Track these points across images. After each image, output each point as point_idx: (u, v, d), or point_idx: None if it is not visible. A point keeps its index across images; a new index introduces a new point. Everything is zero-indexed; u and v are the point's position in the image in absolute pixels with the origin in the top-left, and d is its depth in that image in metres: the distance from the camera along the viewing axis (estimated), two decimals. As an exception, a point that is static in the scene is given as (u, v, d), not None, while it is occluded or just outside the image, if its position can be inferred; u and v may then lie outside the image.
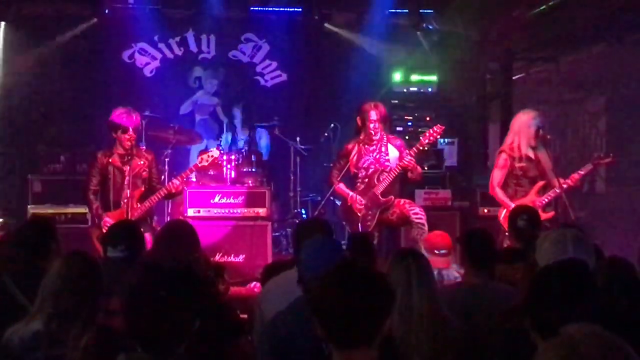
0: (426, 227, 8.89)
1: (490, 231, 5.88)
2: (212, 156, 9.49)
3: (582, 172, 8.94)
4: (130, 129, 9.02)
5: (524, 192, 8.93)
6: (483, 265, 5.40)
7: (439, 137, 9.38)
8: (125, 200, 9.01)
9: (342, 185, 9.43)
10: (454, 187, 11.58)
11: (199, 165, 9.52)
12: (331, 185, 9.45)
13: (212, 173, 11.00)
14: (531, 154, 8.93)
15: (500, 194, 8.99)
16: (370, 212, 9.24)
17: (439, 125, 9.21)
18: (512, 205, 8.53)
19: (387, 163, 9.22)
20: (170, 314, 3.24)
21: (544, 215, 8.27)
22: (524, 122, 9.05)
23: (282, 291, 4.83)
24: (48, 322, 4.26)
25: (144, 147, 9.80)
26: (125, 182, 9.03)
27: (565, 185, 8.76)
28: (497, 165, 9.15)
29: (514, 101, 13.79)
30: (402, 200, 9.31)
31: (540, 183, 8.91)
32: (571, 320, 3.10)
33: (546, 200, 8.86)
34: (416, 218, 9.03)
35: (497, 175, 9.07)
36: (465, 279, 5.73)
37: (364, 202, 9.23)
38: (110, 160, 9.10)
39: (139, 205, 9.09)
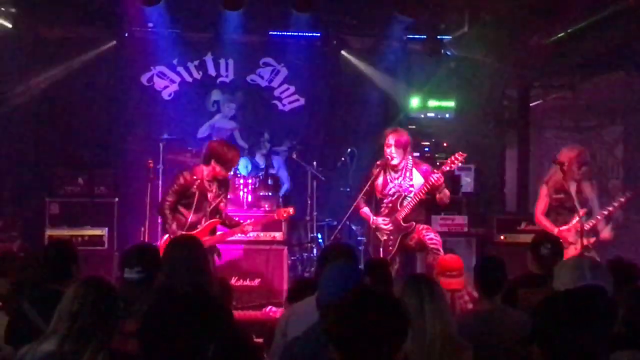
0: (442, 253, 8.89)
1: (501, 259, 5.89)
2: (289, 213, 9.80)
3: (616, 205, 9.33)
4: (228, 163, 9.19)
5: (563, 221, 9.32)
6: (494, 292, 5.43)
7: (460, 164, 9.36)
8: (199, 227, 9.08)
9: (366, 209, 9.44)
10: (471, 213, 11.55)
11: (276, 218, 9.78)
12: (357, 208, 9.44)
13: (229, 197, 11.01)
14: (572, 187, 9.26)
15: (544, 220, 9.49)
16: (392, 238, 9.23)
17: (460, 152, 9.21)
18: (556, 230, 9.07)
19: (410, 188, 9.21)
20: (186, 338, 3.23)
21: (586, 241, 8.85)
22: (568, 159, 9.34)
23: (305, 316, 4.82)
24: (61, 344, 4.26)
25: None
26: (207, 210, 9.15)
27: (605, 212, 9.26)
28: (539, 197, 9.67)
29: (531, 128, 13.79)
30: (421, 226, 9.30)
31: (583, 211, 9.09)
32: (579, 348, 3.10)
33: (588, 227, 9.13)
34: (431, 243, 9.02)
35: (540, 206, 9.62)
36: (477, 306, 5.74)
37: (388, 221, 9.23)
38: (196, 184, 9.12)
39: (209, 237, 9.12)
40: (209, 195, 9.12)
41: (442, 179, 9.02)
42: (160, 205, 9.28)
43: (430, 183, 9.00)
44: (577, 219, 8.97)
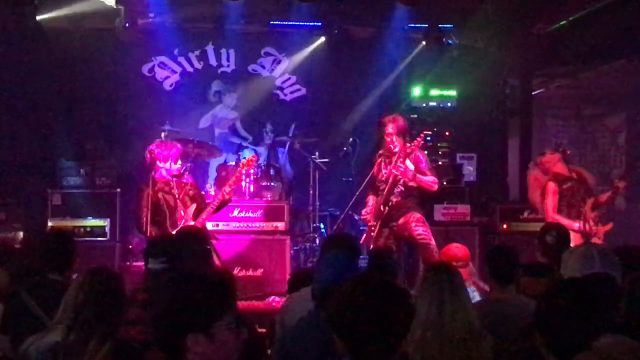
0: (433, 243, 8.86)
1: (514, 248, 5.88)
2: (252, 159, 9.79)
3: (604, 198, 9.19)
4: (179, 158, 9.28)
5: (577, 213, 9.07)
6: (508, 281, 5.40)
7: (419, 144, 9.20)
8: (183, 220, 9.10)
9: (371, 198, 9.43)
10: (473, 202, 11.54)
11: (241, 171, 9.72)
12: (367, 202, 9.45)
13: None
14: (574, 174, 9.20)
15: (557, 217, 9.03)
16: (373, 223, 9.22)
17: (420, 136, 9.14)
18: (576, 225, 8.84)
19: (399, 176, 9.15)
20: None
21: (602, 229, 8.86)
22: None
23: (302, 305, 4.83)
24: (66, 334, 4.27)
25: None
26: (178, 203, 9.18)
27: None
28: (547, 194, 9.25)
29: (534, 116, 13.77)
30: (412, 217, 9.13)
31: (591, 199, 9.06)
32: (582, 336, 3.09)
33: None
34: (420, 238, 8.93)
35: (550, 204, 9.20)
36: (490, 295, 5.73)
37: (368, 211, 9.25)
38: (156, 187, 9.16)
39: (197, 221, 9.12)
40: (174, 192, 9.17)
41: (398, 168, 8.91)
42: (139, 226, 9.27)
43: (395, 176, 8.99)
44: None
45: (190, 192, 9.33)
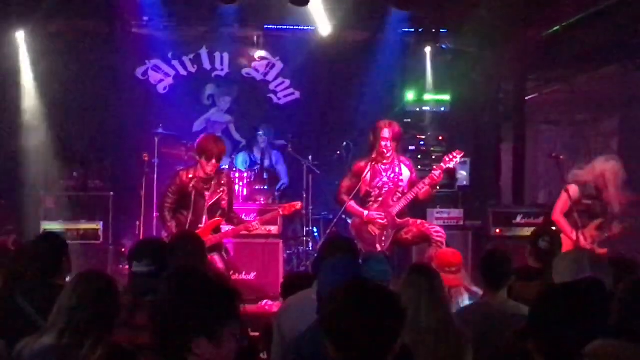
0: (444, 247, 8.88)
1: (508, 253, 5.89)
2: (296, 208, 9.73)
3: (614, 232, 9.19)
4: (214, 158, 8.97)
5: (583, 225, 9.02)
6: (500, 286, 5.41)
7: (457, 161, 9.31)
8: (201, 226, 8.98)
9: (353, 204, 9.34)
10: (466, 206, 11.56)
11: (282, 213, 9.67)
12: (341, 202, 9.34)
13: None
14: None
15: (562, 221, 9.07)
16: (385, 233, 9.18)
17: (458, 150, 9.19)
18: (574, 233, 8.82)
19: (401, 183, 9.19)
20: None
21: (599, 250, 8.69)
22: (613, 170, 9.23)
23: (300, 309, 4.82)
24: (60, 337, 4.27)
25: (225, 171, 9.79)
26: (205, 208, 9.05)
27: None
28: (562, 196, 9.21)
29: (527, 121, 13.79)
30: (419, 220, 9.30)
31: (599, 221, 9.07)
32: (575, 341, 3.09)
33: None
34: (437, 236, 8.96)
35: (560, 205, 9.21)
36: (483, 299, 5.74)
37: (383, 216, 9.19)
38: (192, 183, 9.01)
39: (211, 236, 8.98)
40: (206, 193, 9.05)
41: (442, 176, 9.05)
42: (160, 207, 9.22)
43: (431, 180, 8.98)
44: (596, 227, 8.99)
45: (223, 202, 9.14)
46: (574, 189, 9.09)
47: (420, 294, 4.51)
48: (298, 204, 9.79)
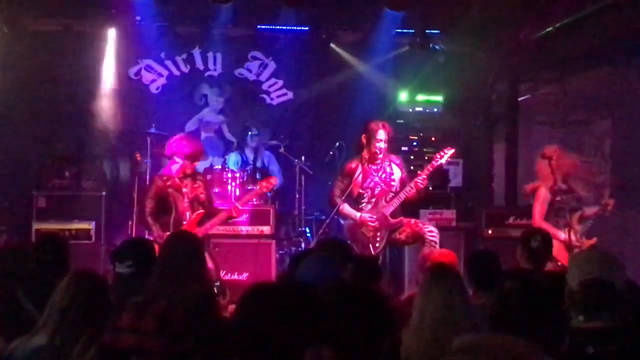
0: (438, 247, 8.89)
1: (495, 252, 5.88)
2: (273, 184, 9.72)
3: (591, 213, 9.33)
4: (189, 158, 9.20)
5: (564, 224, 9.10)
6: (488, 286, 5.39)
7: (447, 158, 9.33)
8: (185, 223, 9.04)
9: (346, 206, 9.35)
10: (459, 207, 11.56)
11: (259, 191, 9.70)
12: (334, 205, 9.36)
13: (216, 190, 10.98)
14: (564, 186, 9.23)
15: (545, 225, 9.01)
16: (379, 234, 9.18)
17: (448, 147, 9.21)
18: (562, 235, 8.87)
19: (393, 183, 9.21)
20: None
21: (587, 242, 8.87)
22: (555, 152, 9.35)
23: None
24: (52, 337, 4.27)
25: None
26: (185, 205, 9.12)
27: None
28: (537, 199, 9.32)
29: (520, 122, 13.79)
30: (412, 220, 9.31)
31: (578, 213, 9.13)
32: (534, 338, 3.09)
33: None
34: (431, 236, 8.98)
35: (538, 208, 9.28)
36: (471, 300, 5.74)
37: (375, 218, 9.17)
38: (169, 183, 9.15)
39: (198, 228, 9.04)
40: (184, 190, 9.13)
41: (426, 181, 9.07)
42: (140, 215, 9.33)
43: (416, 186, 9.01)
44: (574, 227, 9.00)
45: (202, 196, 9.27)
46: (543, 192, 9.23)
47: (451, 293, 4.44)
48: (272, 180, 9.81)
